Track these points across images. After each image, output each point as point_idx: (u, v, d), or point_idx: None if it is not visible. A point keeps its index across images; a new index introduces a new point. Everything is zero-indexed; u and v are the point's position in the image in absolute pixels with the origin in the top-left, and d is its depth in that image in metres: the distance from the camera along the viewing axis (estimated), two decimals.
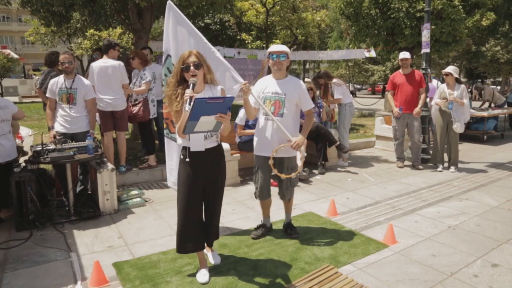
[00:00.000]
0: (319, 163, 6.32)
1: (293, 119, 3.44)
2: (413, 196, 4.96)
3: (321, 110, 6.71)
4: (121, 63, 5.46)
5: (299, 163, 3.46)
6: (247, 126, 5.77)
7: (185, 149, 2.88)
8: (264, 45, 11.49)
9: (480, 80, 29.71)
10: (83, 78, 4.88)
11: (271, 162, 3.30)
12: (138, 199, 4.83)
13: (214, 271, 3.08)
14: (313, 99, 6.60)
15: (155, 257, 3.37)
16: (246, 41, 10.56)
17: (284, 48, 3.41)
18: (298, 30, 10.28)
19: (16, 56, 27.60)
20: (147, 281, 2.97)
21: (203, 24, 10.61)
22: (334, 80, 6.74)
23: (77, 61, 5.02)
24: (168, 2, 3.64)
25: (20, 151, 4.91)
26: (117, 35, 11.10)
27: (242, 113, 5.63)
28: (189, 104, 2.43)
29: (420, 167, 6.34)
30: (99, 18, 6.43)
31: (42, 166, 4.70)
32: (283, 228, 3.84)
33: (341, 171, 6.41)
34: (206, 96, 2.73)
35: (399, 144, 6.59)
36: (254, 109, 3.38)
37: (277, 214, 4.12)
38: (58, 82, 4.71)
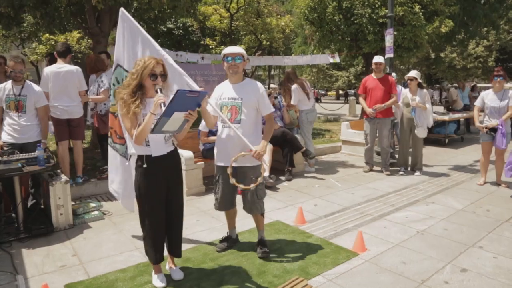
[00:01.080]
0: (285, 169, 6.23)
1: (253, 125, 3.24)
2: (381, 201, 4.94)
3: (281, 111, 6.60)
4: (78, 68, 5.14)
5: (264, 173, 3.25)
6: (211, 133, 5.58)
7: (141, 157, 2.72)
8: None
9: (438, 85, 31.04)
10: (33, 84, 4.54)
11: (229, 170, 3.12)
12: (96, 212, 4.52)
13: None
14: (273, 103, 6.50)
15: (112, 275, 3.11)
16: (210, 46, 10.35)
17: (240, 49, 3.24)
18: (262, 35, 10.23)
19: None
20: None
21: (165, 29, 10.32)
22: (293, 87, 6.60)
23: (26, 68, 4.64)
24: (120, 9, 3.43)
25: None
26: (75, 40, 10.59)
27: None
28: (163, 107, 2.43)
29: (388, 172, 6.37)
30: (52, 21, 6.05)
31: None
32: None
33: (308, 177, 6.34)
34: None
35: (368, 149, 6.61)
36: (213, 117, 3.23)
37: (244, 224, 3.96)
38: (5, 88, 4.35)
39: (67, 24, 6.86)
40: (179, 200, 2.97)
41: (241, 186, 3.17)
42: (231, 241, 3.57)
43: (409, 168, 6.56)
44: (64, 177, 4.23)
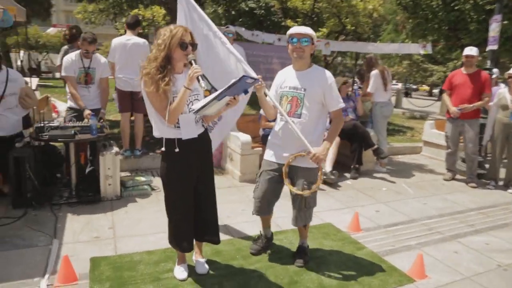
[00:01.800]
0: (352, 166, 5.65)
1: (314, 122, 2.79)
2: (457, 218, 4.15)
3: (355, 100, 5.94)
4: (145, 41, 5.12)
5: (318, 179, 2.80)
6: None
7: (170, 141, 2.45)
8: None
9: None
10: (100, 56, 4.60)
11: (285, 169, 2.75)
12: (145, 186, 4.48)
13: (195, 284, 2.62)
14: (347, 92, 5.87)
15: (137, 256, 2.98)
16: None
17: (307, 30, 2.78)
18: (347, 19, 9.42)
19: None
20: (118, 285, 2.57)
21: (247, 8, 10.07)
22: (373, 72, 5.92)
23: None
24: None
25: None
26: (161, 16, 10.87)
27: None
28: (202, 81, 2.25)
29: (474, 184, 5.41)
30: None
31: (52, 143, 4.48)
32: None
33: (376, 177, 5.67)
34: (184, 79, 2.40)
35: (450, 153, 5.70)
36: (273, 108, 2.88)
37: (286, 222, 3.51)
38: (75, 61, 4.42)
39: None
40: (211, 183, 2.72)
41: (294, 189, 2.79)
42: (266, 241, 3.19)
43: (501, 183, 5.50)
44: (115, 148, 4.23)
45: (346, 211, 4.17)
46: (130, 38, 5.01)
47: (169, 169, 2.52)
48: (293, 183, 2.82)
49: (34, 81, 8.91)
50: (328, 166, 5.26)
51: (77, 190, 4.13)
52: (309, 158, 2.68)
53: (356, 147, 5.64)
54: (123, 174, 4.80)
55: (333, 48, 8.83)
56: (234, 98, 2.35)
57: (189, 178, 2.55)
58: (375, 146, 5.59)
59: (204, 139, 2.59)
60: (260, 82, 2.60)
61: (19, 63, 23.90)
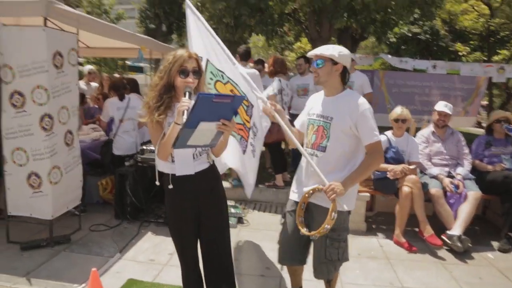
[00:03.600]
0: (502, 233, 4.12)
1: (343, 158, 2.29)
2: None
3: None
4: (256, 72, 5.14)
5: (333, 217, 2.20)
6: (385, 159, 4.32)
7: (166, 176, 2.24)
8: (485, 58, 8.43)
9: None
10: None
11: (299, 207, 2.32)
12: (232, 219, 4.38)
13: None
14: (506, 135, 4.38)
15: None
16: (460, 53, 8.09)
17: (321, 50, 2.30)
18: None
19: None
20: None
21: (410, 34, 8.95)
22: None
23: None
24: (186, 1, 3.14)
25: None
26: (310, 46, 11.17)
27: (383, 137, 4.23)
28: (186, 116, 1.93)
29: None
30: (265, 27, 6.39)
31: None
32: None
33: None
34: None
35: None
36: (299, 133, 2.50)
37: None
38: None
39: (278, 29, 7.09)
40: (219, 230, 2.33)
41: (304, 231, 2.30)
42: None
43: None
44: None
45: None
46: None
47: (167, 209, 2.33)
48: (309, 225, 2.34)
49: None
50: (456, 229, 3.94)
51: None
52: (323, 189, 2.20)
53: (508, 208, 4.11)
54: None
55: (511, 74, 6.86)
56: (224, 124, 1.94)
57: (184, 219, 2.26)
58: None
59: (205, 177, 2.24)
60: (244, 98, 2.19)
61: None
